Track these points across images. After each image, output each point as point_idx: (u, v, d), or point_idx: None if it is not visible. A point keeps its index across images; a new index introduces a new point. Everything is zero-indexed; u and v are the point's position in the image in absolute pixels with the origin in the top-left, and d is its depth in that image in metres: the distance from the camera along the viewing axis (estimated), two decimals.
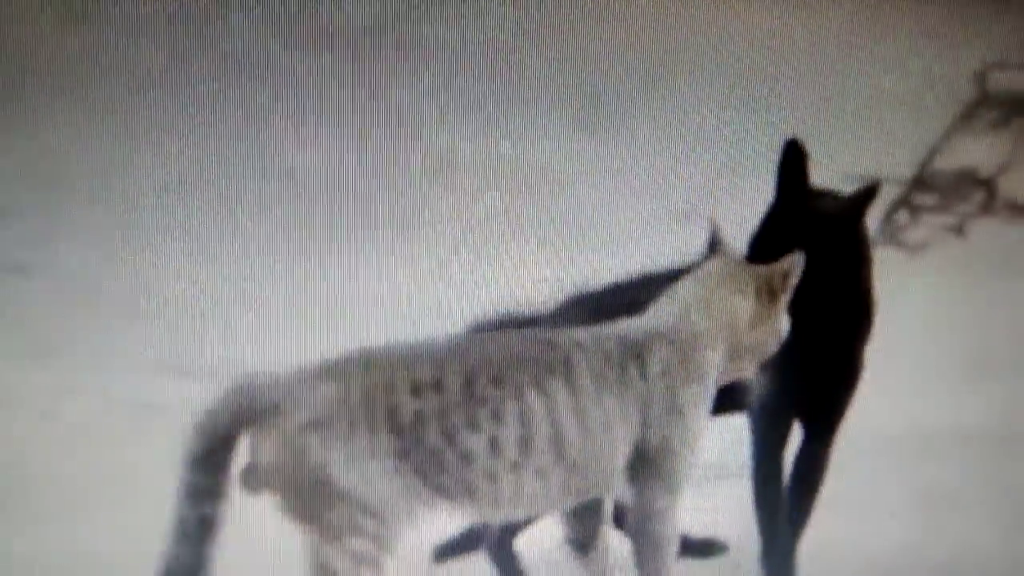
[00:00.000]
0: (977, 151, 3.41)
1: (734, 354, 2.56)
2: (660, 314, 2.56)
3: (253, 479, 2.35)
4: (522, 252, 3.17)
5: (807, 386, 2.78)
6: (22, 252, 3.33)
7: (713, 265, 2.55)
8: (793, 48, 3.29)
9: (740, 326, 2.57)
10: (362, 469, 2.33)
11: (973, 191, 3.39)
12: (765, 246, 2.72)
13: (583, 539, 2.56)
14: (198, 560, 2.36)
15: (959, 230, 3.39)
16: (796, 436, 2.82)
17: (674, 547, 2.53)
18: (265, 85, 3.46)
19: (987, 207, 3.40)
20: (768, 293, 2.54)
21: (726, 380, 2.57)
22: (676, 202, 3.06)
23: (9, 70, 3.50)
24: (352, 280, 3.24)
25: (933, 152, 3.39)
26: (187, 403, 2.94)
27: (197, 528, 2.35)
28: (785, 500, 2.83)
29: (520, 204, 3.18)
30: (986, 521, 2.99)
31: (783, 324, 2.54)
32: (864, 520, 2.97)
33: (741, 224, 2.77)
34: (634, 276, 2.81)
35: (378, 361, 2.39)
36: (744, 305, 2.56)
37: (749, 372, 2.59)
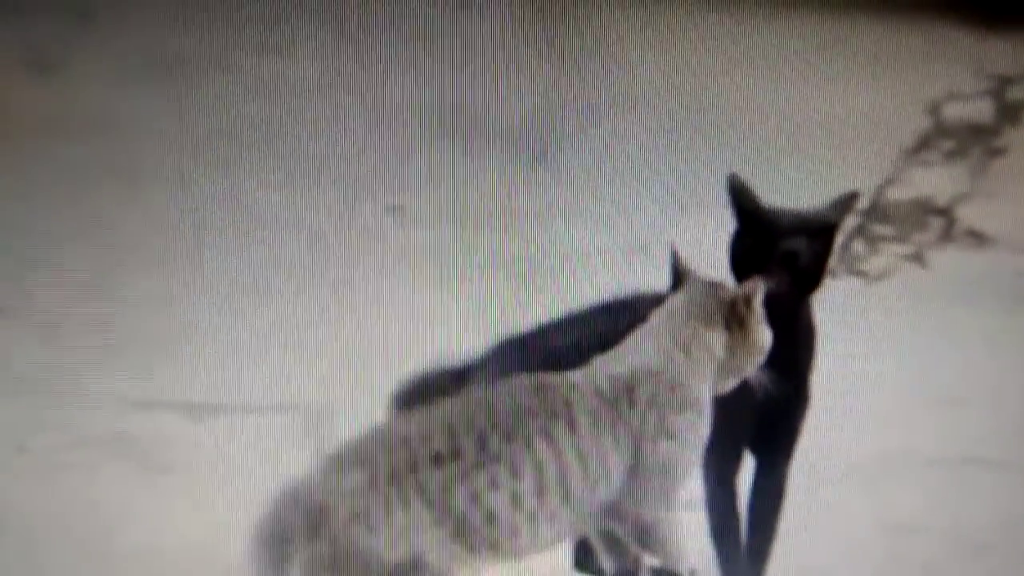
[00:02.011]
0: (933, 181, 3.44)
1: (723, 375, 2.70)
2: (643, 351, 2.69)
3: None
4: (477, 287, 3.19)
5: (756, 416, 2.81)
6: None
7: (680, 299, 2.65)
8: (745, 80, 3.34)
9: (719, 354, 2.70)
10: (403, 546, 2.51)
11: (931, 220, 3.42)
12: (744, 263, 2.79)
13: (627, 570, 2.71)
14: None
15: (919, 259, 3.42)
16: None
17: (681, 558, 2.69)
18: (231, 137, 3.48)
19: (947, 236, 3.43)
20: (736, 321, 2.66)
21: (727, 389, 2.72)
22: (629, 236, 3.09)
23: None
24: (307, 317, 3.27)
25: (888, 182, 3.42)
26: (152, 434, 3.22)
27: None
28: (743, 531, 2.84)
29: (472, 240, 3.20)
30: (949, 546, 3.02)
31: (764, 338, 2.66)
32: (827, 548, 2.98)
33: (699, 254, 2.80)
34: (565, 315, 2.85)
35: (396, 440, 2.56)
36: (717, 337, 2.68)
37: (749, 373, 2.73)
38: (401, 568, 2.53)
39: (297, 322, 3.33)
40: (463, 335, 2.99)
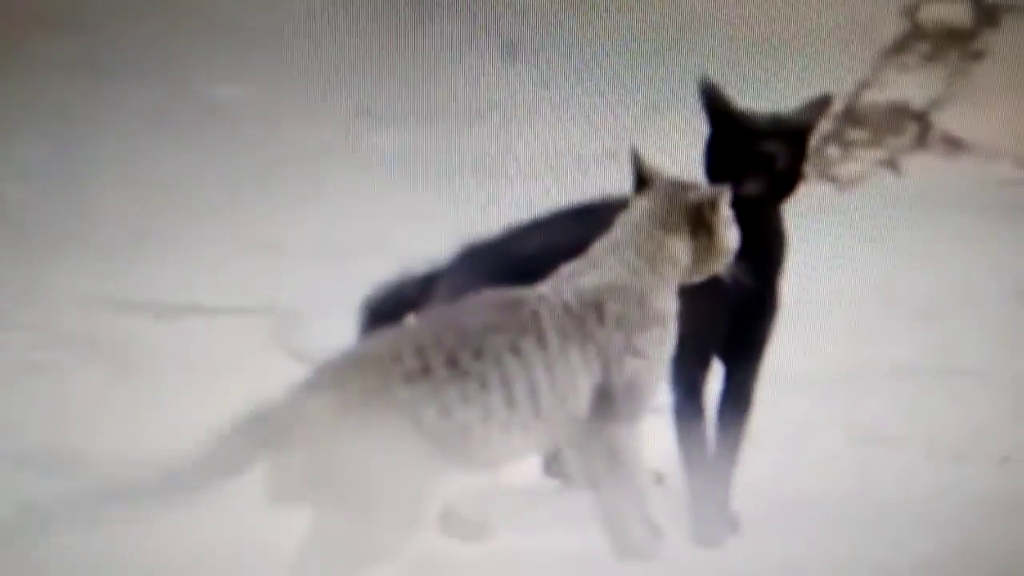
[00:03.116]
0: (909, 85, 3.39)
1: (689, 276, 2.70)
2: (609, 265, 2.69)
3: (285, 496, 2.57)
4: (446, 187, 3.14)
5: (725, 321, 2.78)
6: None
7: (643, 206, 2.61)
8: None
9: (685, 263, 2.69)
10: (380, 460, 2.56)
11: (906, 125, 3.36)
12: (719, 167, 2.76)
13: (592, 472, 2.72)
14: None
15: (893, 164, 3.37)
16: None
17: (645, 475, 2.71)
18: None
19: (921, 141, 3.38)
20: (703, 227, 2.62)
21: (693, 282, 2.72)
22: (599, 138, 3.03)
23: None
24: (289, 216, 3.24)
25: (863, 86, 3.36)
26: (124, 333, 3.25)
27: None
28: (711, 437, 2.81)
29: (441, 141, 3.14)
30: (922, 457, 3.00)
31: (730, 241, 2.65)
32: (800, 458, 3.00)
33: (671, 158, 2.76)
34: (537, 219, 2.81)
35: (368, 360, 2.60)
36: (683, 247, 2.68)
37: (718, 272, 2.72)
38: (380, 483, 2.56)
39: (266, 223, 3.28)
40: (432, 235, 2.95)
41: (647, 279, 2.62)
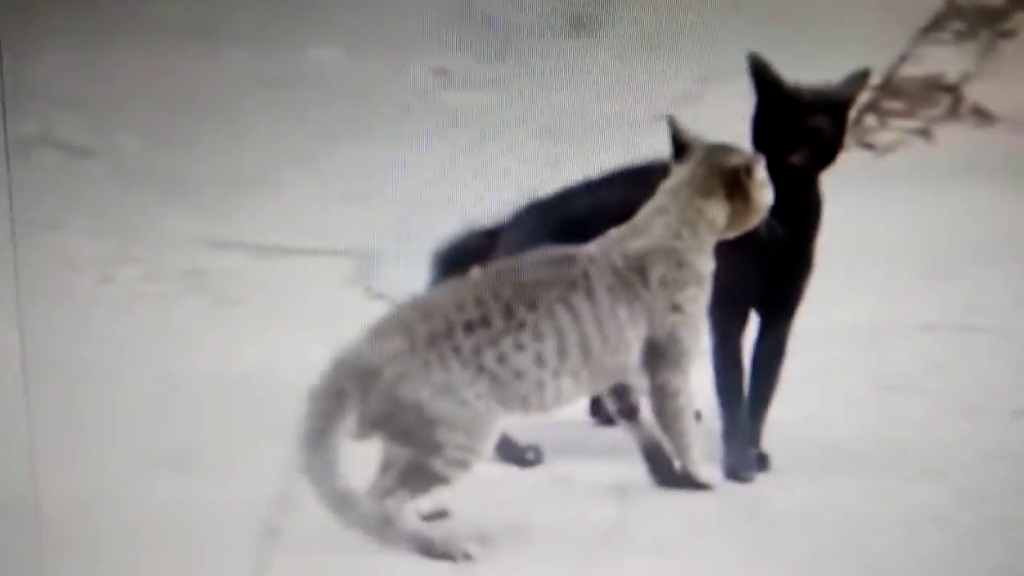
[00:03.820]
0: (944, 60, 3.19)
1: (726, 232, 2.61)
2: (652, 231, 2.61)
3: (363, 431, 2.54)
4: (511, 147, 3.00)
5: (763, 278, 2.62)
6: (87, 138, 3.30)
7: (684, 173, 2.49)
8: None
9: (722, 224, 2.60)
10: (447, 399, 2.52)
11: (940, 97, 3.15)
12: (766, 137, 2.62)
13: (628, 410, 2.70)
14: None
15: (926, 134, 3.15)
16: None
17: (692, 415, 2.65)
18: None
19: (953, 112, 3.17)
20: (739, 191, 2.54)
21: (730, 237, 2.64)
22: (657, 104, 2.85)
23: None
24: (372, 169, 3.10)
25: (901, 60, 3.13)
26: (224, 270, 3.15)
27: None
28: (746, 384, 2.63)
29: (509, 102, 2.99)
30: (944, 405, 2.93)
31: (765, 201, 2.56)
32: (827, 403, 2.92)
33: (721, 127, 2.56)
34: (590, 179, 2.63)
35: (433, 310, 2.56)
36: (720, 210, 2.60)
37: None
38: (447, 418, 2.52)
39: (352, 175, 3.17)
40: (496, 191, 2.89)
41: (688, 242, 2.52)
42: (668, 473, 2.65)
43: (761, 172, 2.58)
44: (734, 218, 2.59)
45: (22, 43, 3.20)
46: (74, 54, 3.46)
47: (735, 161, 2.57)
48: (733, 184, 2.57)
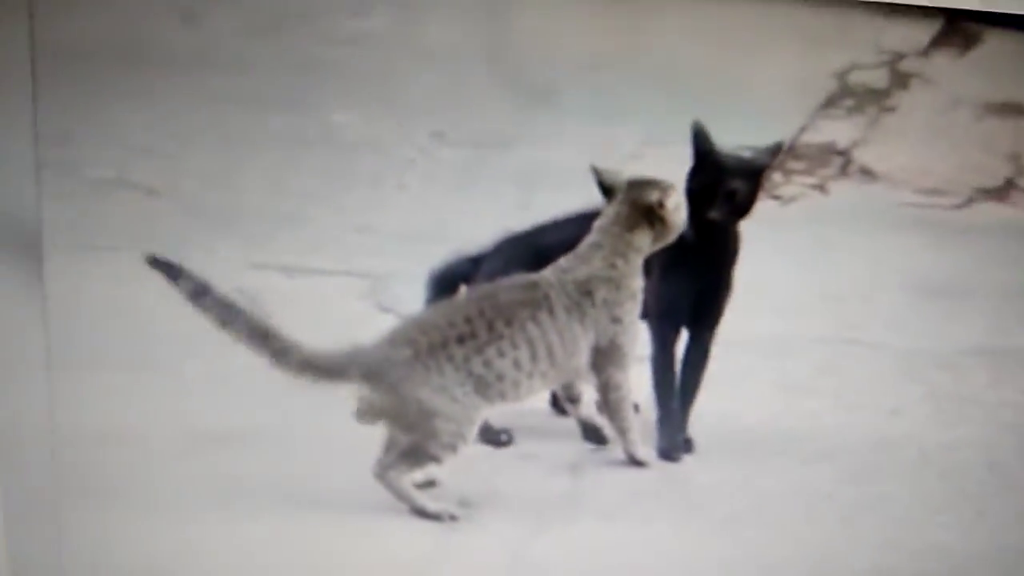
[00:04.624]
0: (837, 130, 3.25)
1: (654, 249, 2.71)
2: (592, 262, 2.71)
3: (369, 416, 2.65)
4: (493, 192, 3.07)
5: (693, 300, 2.69)
6: (155, 180, 3.35)
7: (610, 213, 2.56)
8: (700, 49, 3.12)
9: (647, 246, 2.72)
10: (442, 396, 2.63)
11: (833, 159, 3.22)
12: (696, 194, 2.71)
13: (572, 397, 2.81)
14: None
15: (822, 188, 3.22)
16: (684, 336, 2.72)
17: (631, 405, 2.78)
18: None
19: (844, 172, 3.24)
20: (658, 219, 2.54)
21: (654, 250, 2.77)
22: (608, 162, 2.91)
23: (146, 60, 3.43)
24: (381, 209, 3.22)
25: (802, 130, 3.21)
26: (262, 287, 3.15)
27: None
28: (677, 382, 2.70)
29: (490, 158, 3.05)
30: (832, 402, 3.02)
31: (680, 221, 2.58)
32: (739, 399, 3.00)
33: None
34: (555, 218, 2.71)
35: (431, 326, 2.69)
36: (644, 237, 2.72)
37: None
38: (442, 412, 2.62)
39: (365, 213, 3.24)
40: (480, 228, 2.97)
41: (622, 269, 2.61)
42: (595, 436, 2.79)
43: (672, 200, 2.65)
44: (656, 239, 2.68)
45: (103, 102, 3.22)
46: (146, 113, 3.52)
47: (651, 198, 2.65)
48: (651, 215, 2.65)
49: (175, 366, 3.12)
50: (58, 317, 3.22)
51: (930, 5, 3.07)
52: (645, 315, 2.88)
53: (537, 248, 2.89)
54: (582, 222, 2.88)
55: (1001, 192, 3.39)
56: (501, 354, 2.63)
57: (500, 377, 2.64)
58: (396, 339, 2.67)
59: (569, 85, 3.18)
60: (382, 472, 2.67)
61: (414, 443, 2.63)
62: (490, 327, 2.64)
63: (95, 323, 3.16)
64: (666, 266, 2.91)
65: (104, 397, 3.06)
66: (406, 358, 2.63)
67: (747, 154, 2.77)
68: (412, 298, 2.88)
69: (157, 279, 3.41)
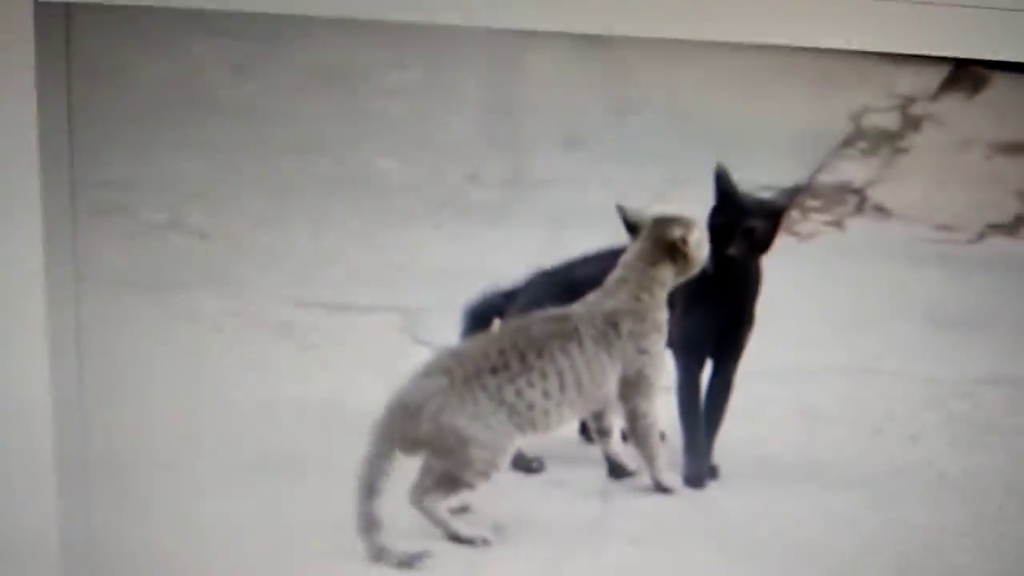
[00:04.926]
0: (852, 170, 3.20)
1: (678, 282, 2.66)
2: (618, 296, 2.65)
3: (411, 448, 2.61)
4: (525, 231, 3.01)
5: (716, 332, 2.61)
6: (206, 223, 3.35)
7: (635, 249, 2.50)
8: (722, 96, 3.06)
9: (671, 281, 2.67)
10: (477, 424, 2.58)
11: (849, 198, 3.15)
12: (717, 231, 2.68)
13: (603, 430, 2.73)
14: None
15: (839, 225, 3.15)
16: (709, 367, 2.65)
17: (657, 433, 2.71)
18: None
19: (859, 209, 3.17)
20: (680, 255, 2.46)
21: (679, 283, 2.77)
22: (633, 201, 2.85)
23: (200, 110, 3.41)
24: (418, 247, 3.16)
25: (818, 170, 3.15)
26: (306, 323, 3.07)
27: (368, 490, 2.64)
28: (702, 411, 2.62)
29: (523, 199, 3.00)
30: (854, 430, 3.00)
31: (702, 255, 2.51)
32: (763, 427, 3.00)
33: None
34: (585, 255, 2.65)
35: (466, 357, 2.63)
36: (667, 271, 2.66)
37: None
38: (476, 439, 2.57)
39: (402, 251, 3.19)
40: (513, 265, 2.95)
41: (647, 303, 2.56)
42: (620, 473, 2.73)
43: (695, 236, 2.60)
44: (679, 273, 2.64)
45: (158, 151, 3.23)
46: (198, 163, 3.47)
47: (674, 235, 2.61)
48: (674, 250, 2.61)
49: (221, 398, 3.09)
50: (97, 353, 3.19)
51: (939, 55, 3.00)
52: (670, 345, 2.84)
53: (567, 283, 2.88)
54: (610, 258, 2.87)
55: (1011, 227, 3.33)
56: (531, 384, 2.60)
57: (531, 406, 2.62)
58: (432, 370, 2.65)
59: (595, 130, 3.13)
60: (418, 499, 2.64)
61: (449, 470, 2.61)
62: (522, 358, 2.61)
63: (145, 356, 3.12)
64: (689, 299, 2.89)
65: (152, 425, 3.01)
66: (443, 387, 2.60)
67: (767, 195, 2.71)
68: (447, 331, 2.86)
69: (209, 317, 3.37)
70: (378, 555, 2.50)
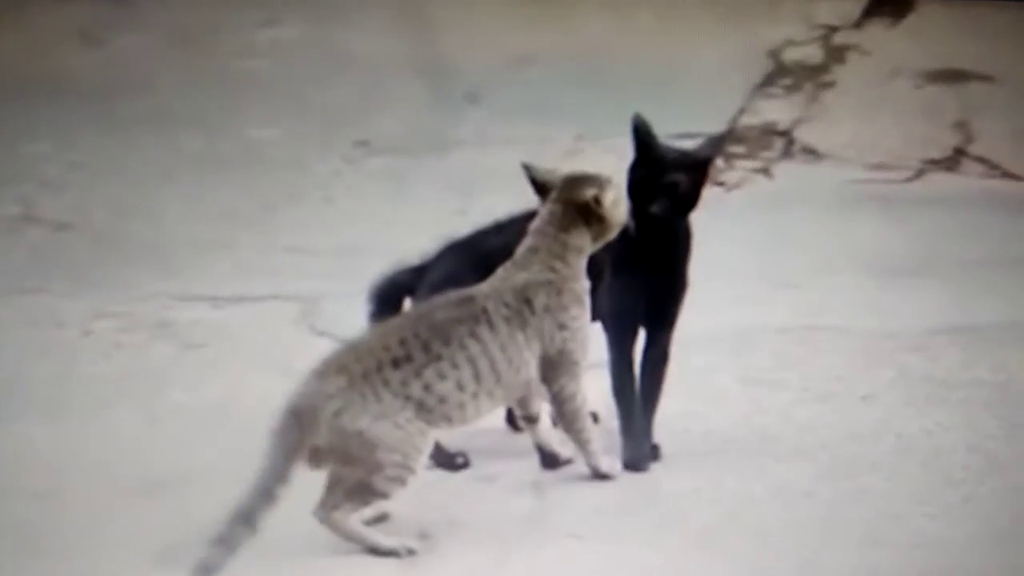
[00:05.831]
0: (776, 110, 3.00)
1: (595, 247, 2.37)
2: (530, 267, 2.38)
3: (315, 460, 2.33)
4: (426, 200, 2.73)
5: (648, 300, 2.40)
6: (64, 214, 3.04)
7: (544, 214, 2.23)
8: (636, 37, 2.81)
9: (588, 246, 2.38)
10: (384, 424, 2.32)
11: (775, 141, 2.95)
12: (637, 188, 2.40)
13: (530, 417, 2.49)
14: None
15: (766, 172, 2.95)
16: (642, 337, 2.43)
17: (587, 415, 2.45)
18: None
19: (787, 153, 2.98)
20: (595, 217, 2.23)
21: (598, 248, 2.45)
22: (544, 159, 2.67)
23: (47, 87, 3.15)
24: (310, 225, 2.81)
25: (740, 112, 2.93)
26: (187, 320, 2.83)
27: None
28: (638, 388, 2.39)
29: (422, 164, 2.73)
30: (801, 394, 2.73)
31: (620, 215, 2.26)
32: (704, 398, 2.75)
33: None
34: (497, 221, 2.38)
35: (364, 351, 2.37)
36: (583, 237, 2.44)
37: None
38: (384, 442, 2.28)
39: (293, 231, 2.90)
40: (418, 239, 2.62)
41: (562, 272, 2.33)
42: (553, 462, 2.46)
43: (610, 195, 2.34)
44: (596, 238, 2.38)
45: (2, 134, 2.90)
46: (51, 145, 3.15)
47: (586, 194, 2.34)
48: (588, 212, 2.35)
49: (97, 413, 2.76)
50: None
51: None
52: (598, 318, 2.60)
53: (482, 253, 2.58)
54: (527, 223, 2.58)
55: (950, 162, 3.14)
56: (442, 376, 2.28)
57: (443, 400, 2.30)
58: (327, 368, 2.30)
59: (498, 84, 2.86)
60: (325, 515, 2.35)
61: (358, 480, 2.26)
62: (426, 347, 2.29)
63: (7, 370, 2.77)
64: (615, 266, 2.63)
65: (22, 449, 2.67)
66: (340, 387, 2.26)
67: (689, 145, 2.48)
68: (350, 318, 2.58)
69: (77, 320, 3.04)
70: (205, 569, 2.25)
